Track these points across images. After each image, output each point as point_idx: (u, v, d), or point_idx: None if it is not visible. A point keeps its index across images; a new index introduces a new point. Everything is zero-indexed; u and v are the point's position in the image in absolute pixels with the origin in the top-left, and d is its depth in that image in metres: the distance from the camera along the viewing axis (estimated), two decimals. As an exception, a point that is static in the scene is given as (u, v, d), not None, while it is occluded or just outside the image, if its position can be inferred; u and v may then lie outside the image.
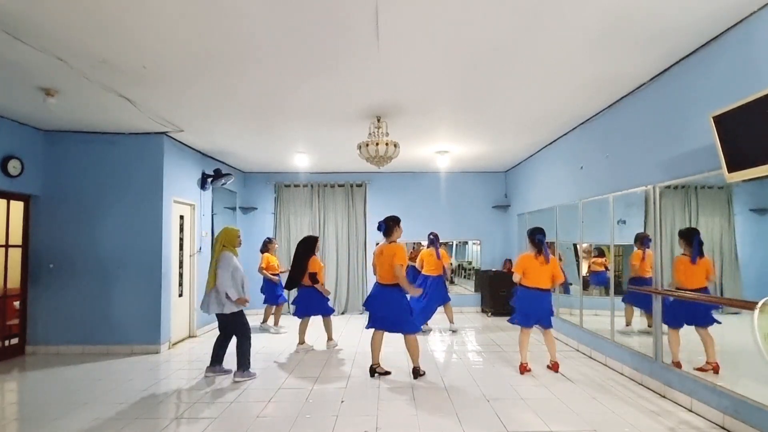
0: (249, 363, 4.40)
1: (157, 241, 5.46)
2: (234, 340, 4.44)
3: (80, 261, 5.41)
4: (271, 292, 6.66)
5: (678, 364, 3.56)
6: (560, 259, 5.82)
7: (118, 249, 5.44)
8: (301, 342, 5.56)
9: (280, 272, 6.79)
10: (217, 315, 4.34)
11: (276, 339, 6.17)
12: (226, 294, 4.19)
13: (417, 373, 4.35)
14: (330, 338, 5.72)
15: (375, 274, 4.53)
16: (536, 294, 4.41)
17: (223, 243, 4.35)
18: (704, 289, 3.40)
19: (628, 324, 4.49)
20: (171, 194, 5.74)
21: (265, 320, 6.90)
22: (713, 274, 3.35)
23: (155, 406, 3.68)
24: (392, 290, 4.31)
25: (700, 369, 3.34)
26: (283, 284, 6.00)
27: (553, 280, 4.45)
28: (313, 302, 5.52)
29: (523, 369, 4.43)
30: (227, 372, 4.49)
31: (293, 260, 5.62)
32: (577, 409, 3.48)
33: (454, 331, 6.57)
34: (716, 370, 3.24)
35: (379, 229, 4.49)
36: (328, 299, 5.66)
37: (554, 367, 4.45)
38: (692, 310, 3.50)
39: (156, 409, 3.60)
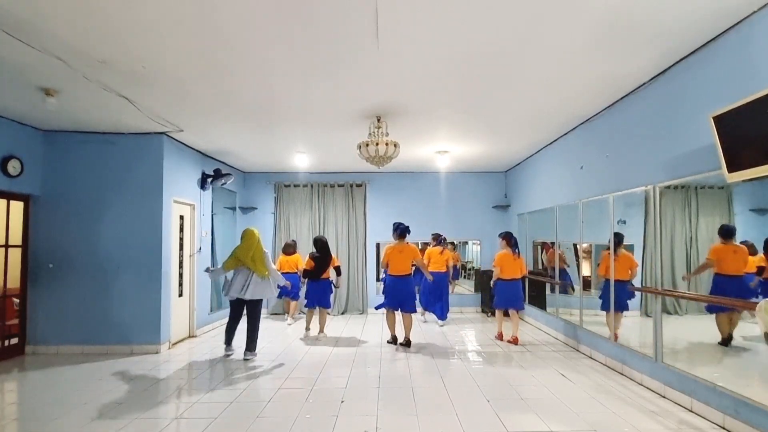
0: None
1: (156, 241, 5.46)
2: (242, 323, 5.21)
3: (80, 261, 5.41)
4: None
5: (616, 337, 4.50)
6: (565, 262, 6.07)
7: (117, 249, 5.43)
8: (309, 328, 6.32)
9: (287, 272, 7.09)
10: (252, 300, 5.07)
11: (275, 338, 6.17)
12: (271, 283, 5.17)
13: (409, 342, 5.59)
14: (322, 330, 6.30)
15: (386, 269, 5.77)
16: (511, 283, 5.79)
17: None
18: (626, 282, 4.37)
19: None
20: (171, 194, 5.74)
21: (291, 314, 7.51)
22: (635, 267, 4.27)
23: (155, 406, 3.68)
24: (409, 280, 5.65)
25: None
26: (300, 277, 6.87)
27: (521, 272, 5.89)
28: (324, 294, 6.21)
29: (501, 336, 5.92)
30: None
31: (321, 256, 6.15)
32: (577, 409, 3.48)
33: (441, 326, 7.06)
34: (615, 338, 4.50)
35: (405, 231, 5.66)
36: (331, 293, 6.42)
37: (515, 341, 5.72)
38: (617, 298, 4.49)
39: (156, 409, 3.59)
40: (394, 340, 5.71)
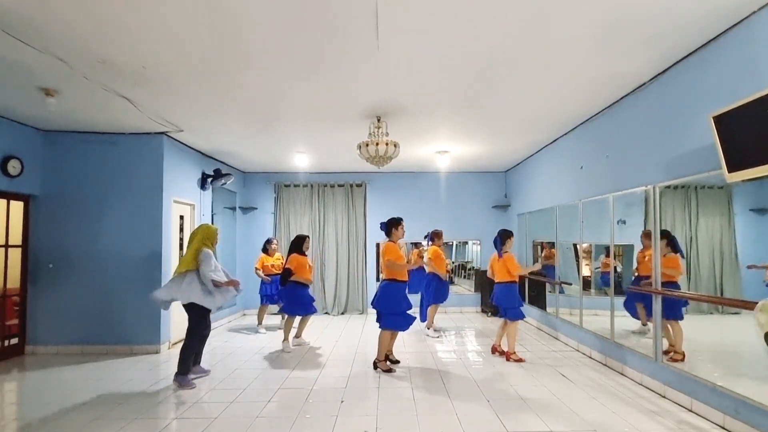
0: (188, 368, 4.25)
1: (157, 241, 5.46)
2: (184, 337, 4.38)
3: (80, 261, 5.41)
4: (262, 291, 6.65)
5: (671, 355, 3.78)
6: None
7: (118, 249, 5.43)
8: (286, 339, 5.54)
9: (273, 273, 6.69)
10: (195, 307, 4.26)
11: (274, 339, 6.16)
12: (210, 285, 4.19)
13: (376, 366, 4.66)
14: (299, 335, 5.79)
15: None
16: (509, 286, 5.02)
17: (203, 241, 4.29)
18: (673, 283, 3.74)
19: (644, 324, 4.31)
20: (171, 194, 5.74)
21: (260, 322, 6.82)
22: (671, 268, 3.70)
23: (155, 406, 3.68)
24: (387, 285, 4.63)
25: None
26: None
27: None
28: (300, 300, 5.54)
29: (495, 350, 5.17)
30: (207, 372, 4.51)
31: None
32: (577, 409, 3.48)
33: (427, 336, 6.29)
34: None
35: (381, 228, 4.83)
36: (313, 299, 5.72)
37: (506, 355, 5.02)
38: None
39: (156, 409, 3.60)
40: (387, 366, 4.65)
